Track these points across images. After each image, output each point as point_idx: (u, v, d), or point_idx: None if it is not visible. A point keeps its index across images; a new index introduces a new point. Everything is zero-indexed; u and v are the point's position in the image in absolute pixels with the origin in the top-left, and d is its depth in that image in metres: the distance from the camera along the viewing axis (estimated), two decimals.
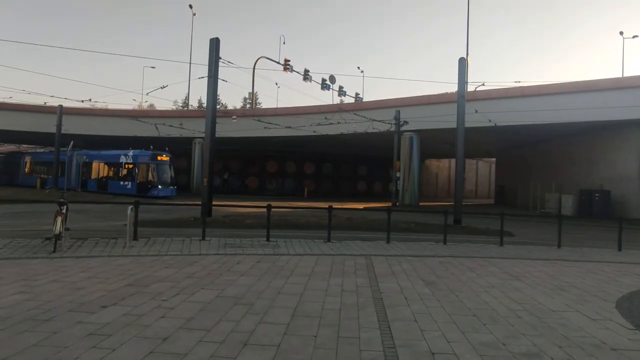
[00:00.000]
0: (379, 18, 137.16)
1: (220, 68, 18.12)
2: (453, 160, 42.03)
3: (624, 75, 29.91)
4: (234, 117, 33.14)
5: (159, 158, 32.30)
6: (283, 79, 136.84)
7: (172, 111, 51.05)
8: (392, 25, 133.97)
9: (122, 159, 33.59)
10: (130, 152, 33.09)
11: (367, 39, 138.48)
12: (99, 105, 40.61)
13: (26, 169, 43.78)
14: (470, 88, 26.45)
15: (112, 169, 34.75)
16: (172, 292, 6.14)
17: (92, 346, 4.14)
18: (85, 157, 35.81)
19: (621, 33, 36.71)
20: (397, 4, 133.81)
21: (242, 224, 15.53)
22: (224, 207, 20.93)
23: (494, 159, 50.32)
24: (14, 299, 5.57)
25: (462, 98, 18.92)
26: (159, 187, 31.37)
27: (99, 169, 36.01)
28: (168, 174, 32.49)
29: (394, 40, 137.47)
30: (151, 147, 32.93)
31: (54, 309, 5.21)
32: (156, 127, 33.05)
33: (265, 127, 30.02)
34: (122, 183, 32.98)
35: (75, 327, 4.64)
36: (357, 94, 41.59)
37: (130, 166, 32.88)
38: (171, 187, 32.38)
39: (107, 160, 35.30)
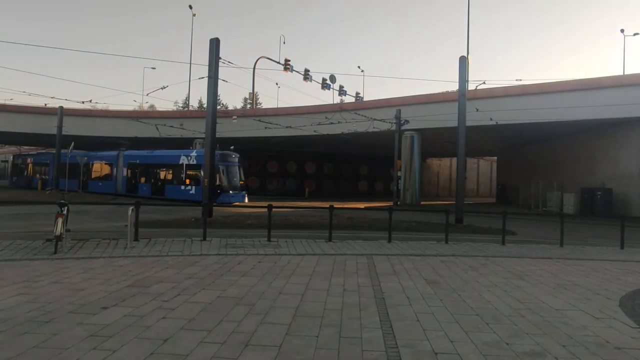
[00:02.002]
0: (379, 17, 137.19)
1: (220, 68, 18.14)
2: (454, 159, 42.06)
3: (625, 73, 29.82)
4: (234, 117, 33.16)
5: (228, 158, 28.06)
6: (283, 78, 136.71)
7: (173, 112, 51.08)
8: (392, 24, 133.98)
9: (183, 160, 29.41)
10: (194, 152, 29.27)
11: (368, 38, 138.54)
12: (99, 107, 40.37)
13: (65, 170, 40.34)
14: (471, 87, 26.37)
15: (171, 171, 30.61)
16: (173, 293, 6.12)
17: (93, 347, 4.12)
18: (136, 158, 32.48)
19: (622, 31, 36.74)
20: (397, 3, 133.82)
21: (243, 224, 15.51)
22: (225, 207, 20.92)
23: (495, 158, 50.25)
24: (14, 300, 5.56)
25: (463, 97, 18.88)
26: (230, 192, 27.26)
27: (153, 172, 31.90)
28: (239, 176, 28.45)
29: (395, 39, 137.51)
30: (232, 147, 29.30)
31: (54, 310, 5.20)
32: (157, 128, 33.01)
33: (265, 127, 30.01)
34: (183, 188, 28.83)
35: (75, 328, 4.62)
36: (357, 94, 41.51)
37: (195, 168, 28.52)
38: (243, 191, 28.52)
39: (163, 161, 31.24)
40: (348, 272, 7.94)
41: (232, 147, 28.84)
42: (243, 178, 29.00)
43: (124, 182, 32.60)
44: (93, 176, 36.32)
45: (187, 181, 29.06)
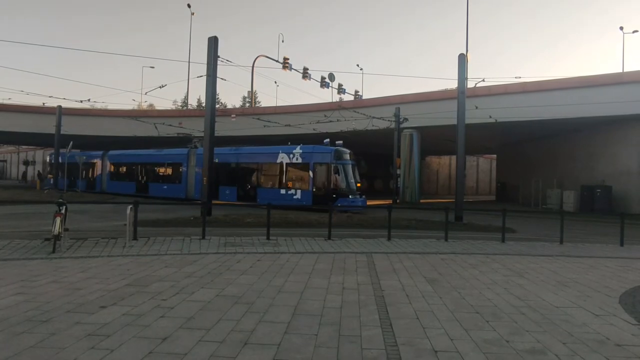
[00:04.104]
0: (379, 15, 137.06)
1: (219, 67, 18.12)
2: (454, 157, 42.03)
3: (625, 71, 29.79)
4: (233, 115, 33.14)
5: (344, 156, 23.00)
6: (282, 77, 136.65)
7: (172, 111, 50.95)
8: (392, 22, 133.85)
9: (283, 159, 24.38)
10: (298, 149, 23.98)
11: (367, 36, 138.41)
12: (98, 106, 40.20)
13: (110, 171, 34.72)
14: (471, 84, 26.34)
15: (265, 171, 25.67)
16: (172, 292, 6.10)
17: (91, 347, 4.09)
18: (214, 157, 28.21)
19: (621, 28, 36.78)
20: (397, 1, 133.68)
21: (242, 222, 15.49)
22: (224, 206, 20.90)
23: (495, 156, 50.25)
24: (12, 300, 5.53)
25: (462, 94, 18.85)
26: (349, 196, 22.27)
27: (238, 173, 26.92)
28: (356, 177, 23.28)
29: (394, 37, 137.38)
30: (326, 140, 24.05)
31: (52, 309, 5.17)
32: (155, 127, 32.96)
33: (264, 126, 29.98)
34: (284, 192, 23.97)
35: (73, 327, 4.59)
36: (356, 92, 41.57)
37: (301, 168, 23.87)
38: (362, 195, 23.53)
39: (254, 160, 26.51)
40: (347, 270, 7.93)
41: (341, 142, 23.80)
42: (359, 179, 23.89)
43: (198, 185, 27.03)
44: (155, 178, 31.48)
45: (289, 184, 24.10)
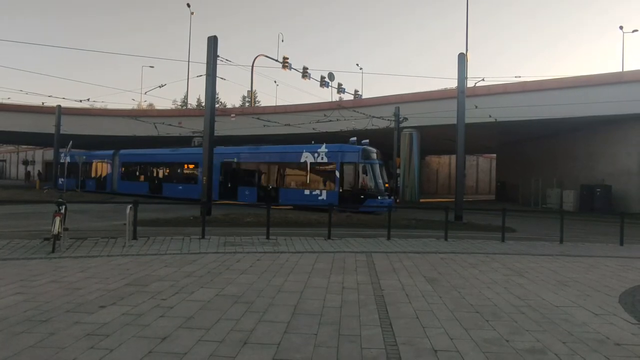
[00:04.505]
0: (379, 15, 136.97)
1: (218, 66, 18.10)
2: (453, 157, 42.02)
3: (625, 70, 29.79)
4: (232, 115, 33.11)
5: (372, 155, 22.10)
6: (282, 76, 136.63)
7: (171, 110, 50.94)
8: (391, 22, 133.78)
9: (307, 158, 23.31)
10: (323, 148, 23.04)
11: (367, 36, 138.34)
12: (97, 105, 40.16)
13: (122, 170, 33.69)
14: (470, 84, 26.31)
15: (288, 171, 24.83)
16: (172, 291, 6.09)
17: (90, 347, 4.09)
18: (233, 156, 26.71)
19: (621, 28, 36.80)
20: (397, 1, 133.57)
21: (241, 222, 15.49)
22: (224, 206, 20.88)
23: (495, 155, 50.25)
24: (11, 299, 5.52)
25: (462, 94, 18.84)
26: (378, 197, 21.36)
27: (259, 173, 26.01)
28: (384, 177, 22.51)
29: (394, 37, 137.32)
30: (352, 139, 22.95)
31: (51, 309, 5.16)
32: (155, 127, 32.95)
33: (264, 125, 29.97)
34: (308, 192, 22.83)
35: (73, 327, 4.59)
36: (356, 91, 41.58)
37: (326, 167, 22.88)
38: (391, 196, 22.69)
39: (276, 159, 25.37)
40: (347, 269, 7.92)
41: (367, 141, 22.85)
42: (387, 179, 22.92)
43: (217, 186, 25.79)
44: (170, 179, 30.37)
45: (314, 184, 23.10)
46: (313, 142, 24.38)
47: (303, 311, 5.36)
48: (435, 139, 34.23)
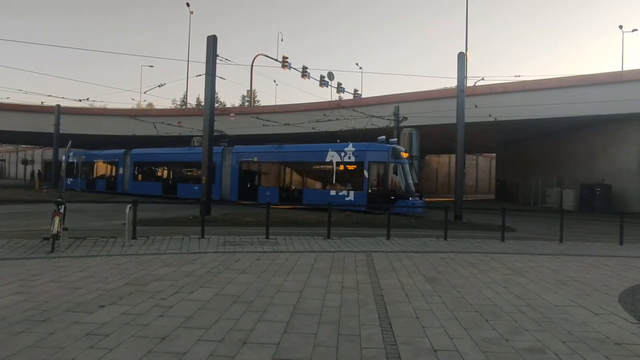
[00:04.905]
0: (378, 14, 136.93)
1: (218, 66, 18.08)
2: (453, 156, 41.97)
3: (624, 69, 29.81)
4: (232, 114, 33.07)
5: (402, 154, 21.20)
6: (281, 76, 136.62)
7: (171, 110, 50.89)
8: (391, 21, 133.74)
9: (333, 157, 22.33)
10: (351, 146, 22.12)
11: (366, 35, 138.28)
12: (97, 105, 40.12)
13: (134, 170, 32.61)
14: (470, 83, 26.31)
15: (312, 171, 23.79)
16: (171, 291, 6.09)
17: (89, 346, 4.08)
18: (253, 155, 25.76)
19: (620, 27, 36.71)
20: (397, 0, 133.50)
21: (241, 221, 15.48)
22: (223, 205, 20.87)
23: (494, 155, 50.27)
24: (10, 299, 5.51)
25: (461, 93, 18.83)
26: (409, 197, 20.57)
27: (282, 172, 24.90)
28: (414, 177, 21.65)
29: (394, 36, 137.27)
30: (381, 138, 22.10)
31: (51, 309, 5.16)
32: (154, 126, 32.92)
33: (263, 125, 29.96)
34: (334, 193, 21.73)
35: (72, 327, 4.58)
36: (355, 91, 41.47)
37: (354, 167, 21.89)
38: (422, 197, 21.88)
39: (299, 158, 24.33)
40: (347, 269, 7.92)
41: (395, 140, 22.17)
42: (416, 179, 22.05)
43: (236, 186, 25.37)
44: (185, 179, 29.16)
45: (340, 184, 22.02)
46: (338, 140, 23.81)
47: (302, 311, 5.35)
48: (435, 139, 34.21)
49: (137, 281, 6.62)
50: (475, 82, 26.64)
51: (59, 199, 9.64)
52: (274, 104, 51.46)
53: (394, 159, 20.64)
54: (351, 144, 22.33)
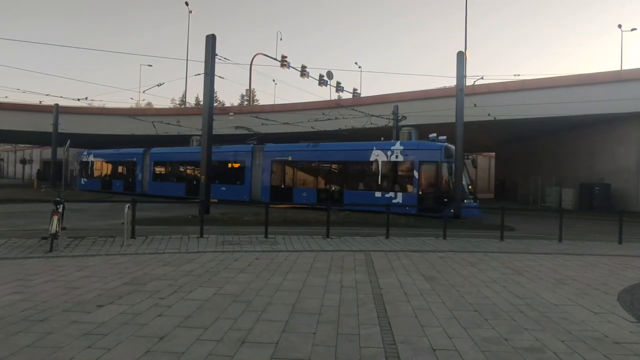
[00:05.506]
0: (378, 13, 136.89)
1: (217, 65, 18.06)
2: None
3: (623, 68, 29.82)
4: (231, 114, 32.98)
5: (455, 155, 19.59)
6: (280, 75, 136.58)
7: (170, 109, 50.81)
8: (391, 20, 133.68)
9: (378, 156, 21.07)
10: (398, 145, 20.98)
11: (365, 34, 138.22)
12: (95, 104, 40.00)
13: (154, 170, 31.64)
14: (469, 82, 26.25)
15: (354, 171, 22.81)
16: (170, 290, 6.08)
17: (88, 346, 4.07)
18: (287, 154, 24.50)
19: (619, 26, 36.68)
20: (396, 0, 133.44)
21: (240, 221, 15.47)
22: (223, 204, 20.85)
23: (494, 154, 50.28)
24: (8, 299, 5.50)
25: (460, 92, 18.83)
26: (464, 200, 19.29)
27: (320, 172, 23.74)
28: (467, 179, 20.38)
29: (393, 36, 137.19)
30: (432, 135, 20.92)
31: (49, 309, 5.14)
32: (154, 125, 32.87)
33: (262, 124, 29.91)
34: (379, 195, 20.61)
35: (70, 327, 4.57)
36: (354, 90, 41.46)
37: (403, 167, 20.72)
38: (477, 200, 20.72)
39: (339, 158, 23.05)
40: (346, 268, 7.91)
41: (444, 138, 20.63)
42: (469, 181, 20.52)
43: (268, 187, 24.42)
44: (211, 179, 28.22)
45: (387, 185, 20.86)
46: (382, 138, 22.93)
47: (301, 310, 5.34)
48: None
49: (136, 280, 6.61)
50: (475, 81, 26.62)
51: (58, 199, 9.62)
52: (273, 103, 51.49)
53: (447, 158, 19.40)
54: (398, 142, 21.33)
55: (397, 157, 20.71)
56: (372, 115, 28.07)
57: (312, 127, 29.90)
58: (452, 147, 19.73)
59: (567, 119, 25.75)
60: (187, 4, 43.92)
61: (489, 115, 24.79)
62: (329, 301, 5.76)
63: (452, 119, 19.33)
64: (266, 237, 11.39)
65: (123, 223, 10.61)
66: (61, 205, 9.51)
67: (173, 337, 4.34)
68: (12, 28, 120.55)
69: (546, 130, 31.63)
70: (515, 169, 38.29)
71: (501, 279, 7.34)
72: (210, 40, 17.76)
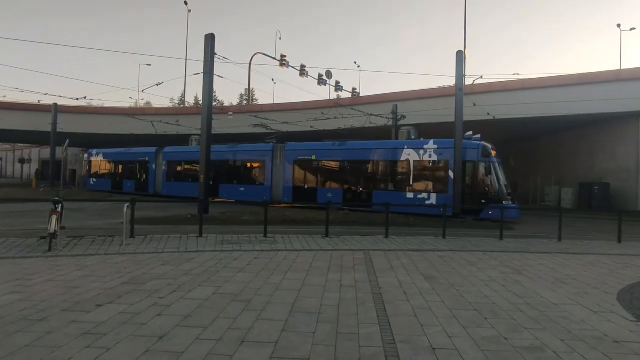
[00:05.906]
0: (377, 13, 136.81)
1: (216, 64, 18.05)
2: None
3: (623, 68, 29.83)
4: (230, 113, 32.94)
5: (492, 153, 19.11)
6: (279, 75, 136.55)
7: (169, 108, 50.77)
8: (390, 20, 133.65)
9: (410, 155, 20.32)
10: (431, 143, 20.04)
11: (365, 34, 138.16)
12: (94, 103, 39.89)
13: (167, 170, 30.89)
14: (469, 81, 26.27)
15: (384, 171, 21.93)
16: (169, 290, 6.06)
17: (87, 346, 4.06)
18: (311, 153, 23.61)
19: (619, 26, 36.65)
20: None
21: (239, 220, 15.47)
22: (223, 204, 20.82)
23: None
24: (7, 299, 5.48)
25: (460, 91, 18.83)
26: (503, 202, 18.28)
27: (347, 172, 23.01)
28: (505, 179, 19.68)
29: (393, 35, 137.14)
30: (468, 134, 19.65)
31: (48, 308, 5.13)
32: (153, 125, 32.84)
33: (261, 124, 29.88)
34: (411, 195, 19.80)
35: (69, 326, 4.55)
36: (354, 89, 41.44)
37: (437, 167, 20.03)
38: (515, 200, 19.77)
39: (368, 157, 22.22)
40: (345, 267, 7.90)
41: (479, 136, 19.84)
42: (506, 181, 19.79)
43: (290, 187, 23.68)
44: (229, 179, 26.96)
45: (419, 186, 19.95)
46: (414, 137, 22.15)
47: (301, 309, 5.33)
48: (434, 137, 34.20)
49: (135, 280, 6.60)
50: (474, 81, 26.64)
51: (56, 198, 9.60)
52: (272, 102, 51.45)
53: (484, 158, 18.72)
54: (432, 141, 20.19)
55: (430, 156, 19.90)
56: (371, 115, 28.07)
57: (311, 127, 29.88)
58: (490, 146, 19.22)
59: (566, 118, 25.76)
60: (186, 3, 43.88)
61: (488, 114, 24.80)
62: (329, 300, 5.75)
63: (452, 119, 19.33)
64: (265, 236, 11.39)
65: (122, 222, 10.60)
66: (60, 205, 9.49)
67: (172, 337, 4.33)
68: (11, 27, 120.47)
69: (545, 130, 31.64)
70: (514, 168, 38.28)
71: (501, 278, 7.33)
72: (210, 39, 17.74)
